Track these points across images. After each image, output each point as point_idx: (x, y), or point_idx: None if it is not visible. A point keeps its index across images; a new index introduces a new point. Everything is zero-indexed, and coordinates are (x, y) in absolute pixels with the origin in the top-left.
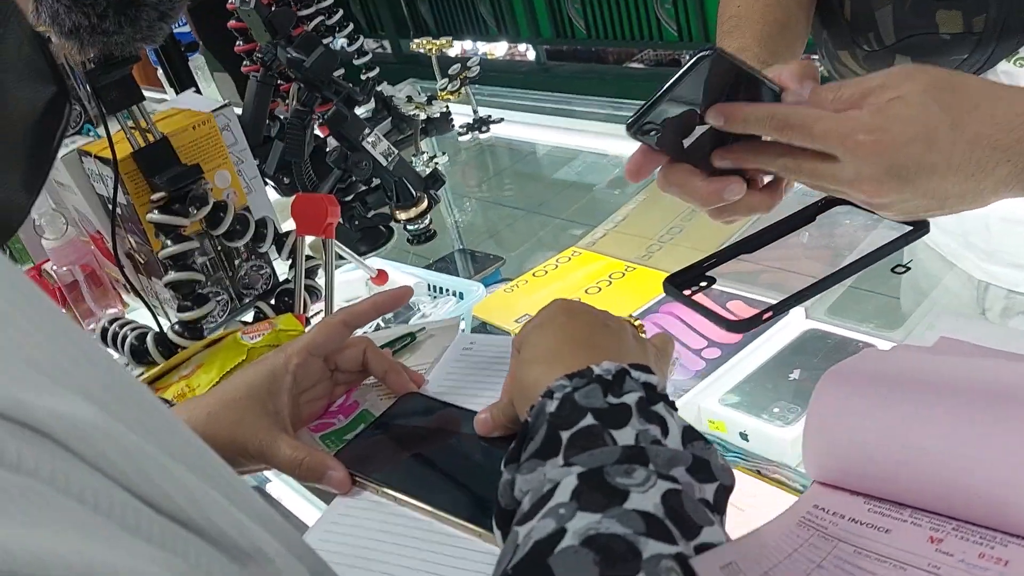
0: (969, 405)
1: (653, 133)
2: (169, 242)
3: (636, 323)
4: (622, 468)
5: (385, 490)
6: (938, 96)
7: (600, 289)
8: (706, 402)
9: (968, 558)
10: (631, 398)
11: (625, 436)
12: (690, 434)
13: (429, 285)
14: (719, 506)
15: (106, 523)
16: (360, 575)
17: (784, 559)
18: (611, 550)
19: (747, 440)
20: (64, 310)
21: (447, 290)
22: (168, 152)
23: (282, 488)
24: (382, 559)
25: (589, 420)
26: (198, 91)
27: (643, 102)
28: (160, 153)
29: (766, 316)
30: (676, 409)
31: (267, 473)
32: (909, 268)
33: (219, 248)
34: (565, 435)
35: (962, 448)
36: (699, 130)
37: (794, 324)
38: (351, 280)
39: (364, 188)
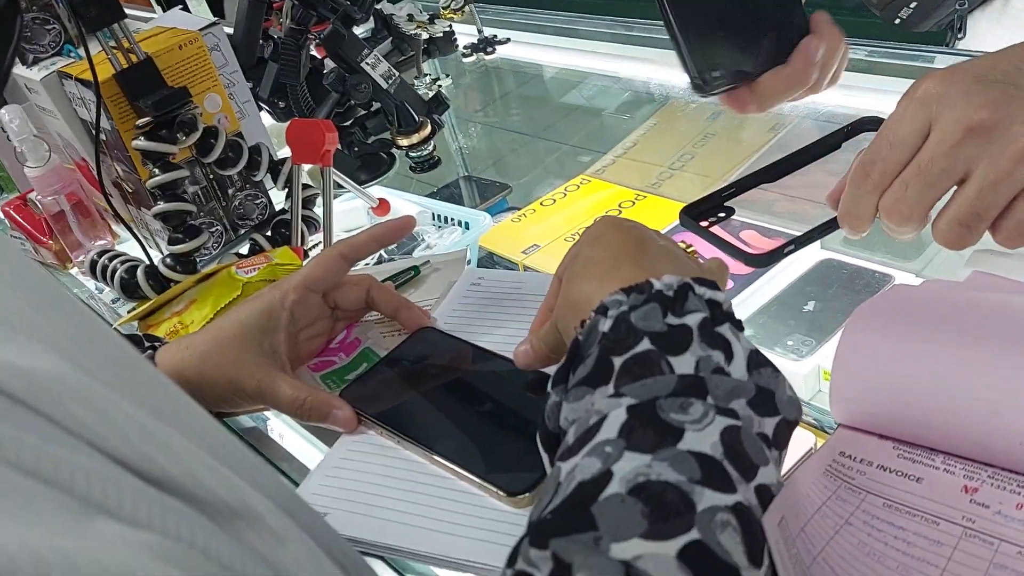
0: (1007, 345)
1: (718, 76)
2: (157, 170)
3: (689, 249)
4: (677, 402)
5: (391, 432)
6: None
7: None
8: None
9: (1005, 509)
10: (693, 319)
11: (684, 363)
12: (756, 359)
13: (433, 215)
14: (779, 441)
15: (65, 501)
16: (362, 521)
17: (815, 512)
18: (662, 501)
19: None
20: (51, 241)
21: (452, 220)
22: (153, 74)
23: (283, 428)
24: (385, 505)
25: (645, 345)
26: (186, 9)
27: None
28: (144, 75)
29: (787, 250)
30: (743, 330)
31: (267, 413)
32: None
33: (211, 177)
34: (618, 361)
35: (1000, 389)
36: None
37: (809, 254)
38: (351, 210)
39: (363, 113)
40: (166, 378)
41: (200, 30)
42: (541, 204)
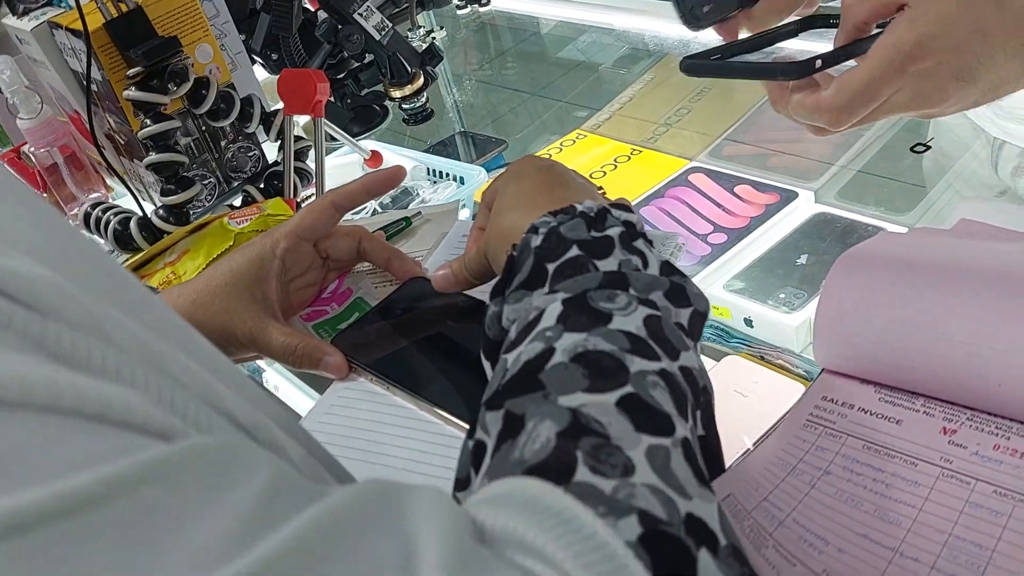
0: (989, 290)
1: (708, 9)
2: (148, 121)
3: (600, 191)
4: (604, 293)
5: (381, 379)
6: None
7: (605, 173)
8: (711, 288)
9: (983, 450)
10: (614, 231)
11: (608, 265)
12: (668, 268)
13: (428, 169)
14: (694, 331)
15: (70, 358)
16: (354, 466)
17: (787, 476)
18: (600, 364)
19: (751, 326)
20: (46, 195)
21: (447, 174)
22: (143, 23)
23: (278, 379)
24: (377, 450)
25: (574, 251)
26: None
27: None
28: (134, 24)
29: (818, 65)
30: (653, 246)
31: (261, 363)
32: (929, 147)
33: (203, 128)
34: (551, 266)
35: (981, 334)
36: None
37: (803, 208)
38: (345, 164)
39: (356, 64)
40: (163, 301)
41: None
42: None
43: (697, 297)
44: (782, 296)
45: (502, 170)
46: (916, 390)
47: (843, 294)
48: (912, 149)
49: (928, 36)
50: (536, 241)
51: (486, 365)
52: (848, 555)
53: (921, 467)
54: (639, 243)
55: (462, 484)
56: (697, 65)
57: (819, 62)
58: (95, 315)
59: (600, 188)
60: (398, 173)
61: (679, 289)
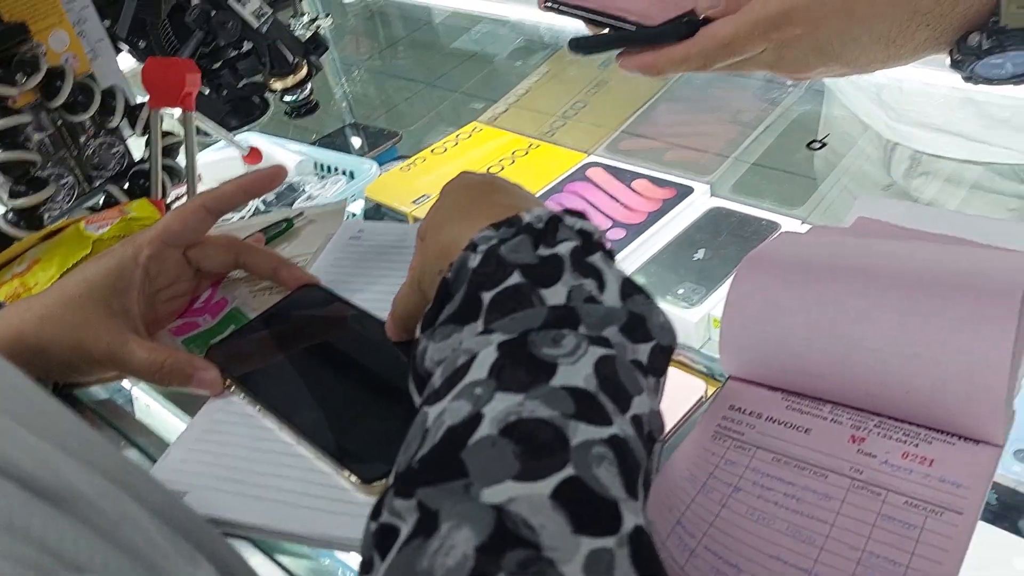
0: (894, 294)
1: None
2: None
3: None
4: (549, 335)
5: (253, 400)
6: None
7: (503, 167)
8: None
9: (892, 459)
10: (565, 248)
11: (555, 294)
12: (629, 287)
13: (316, 163)
14: (655, 367)
15: None
16: (224, 499)
17: (697, 494)
18: (535, 439)
19: None
20: None
21: (336, 169)
22: None
23: (147, 399)
24: (249, 480)
25: (516, 278)
26: None
27: None
28: None
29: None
30: (614, 259)
31: (126, 383)
32: (825, 144)
33: (59, 123)
34: (487, 296)
35: (887, 339)
36: None
37: (699, 202)
38: (222, 160)
39: (234, 53)
40: (20, 376)
41: None
42: (432, 152)
43: (661, 329)
44: (681, 292)
45: (396, 164)
46: (824, 397)
47: (747, 300)
48: (808, 146)
49: (794, 8)
50: (474, 262)
51: (415, 397)
52: None
53: (831, 479)
54: (595, 258)
55: (366, 567)
56: (585, 41)
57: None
58: None
59: None
60: (278, 173)
61: (638, 321)
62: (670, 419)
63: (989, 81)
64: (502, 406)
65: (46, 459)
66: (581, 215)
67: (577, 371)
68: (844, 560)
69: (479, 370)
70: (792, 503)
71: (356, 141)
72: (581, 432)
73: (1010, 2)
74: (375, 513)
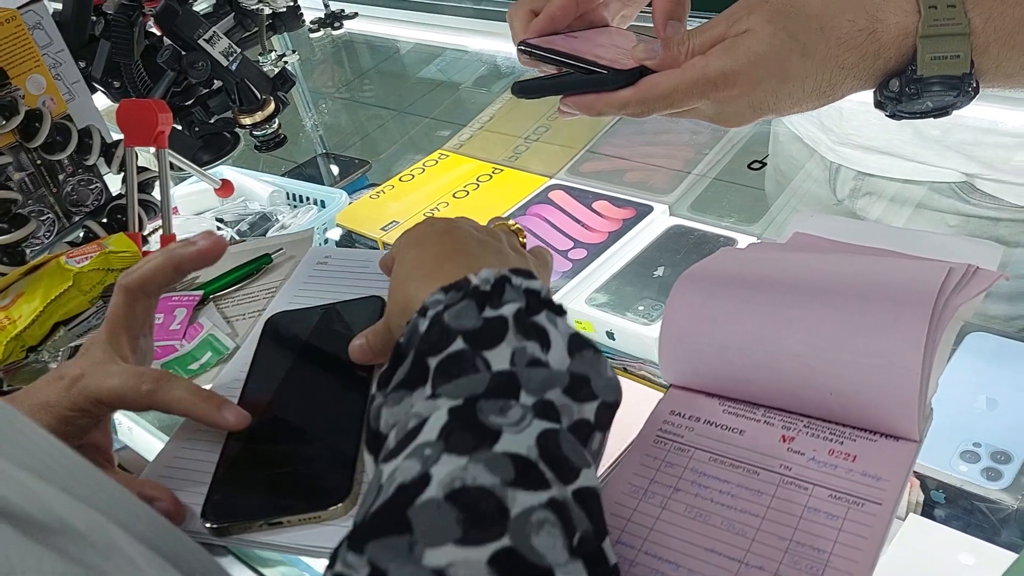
0: (818, 303)
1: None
2: None
3: (515, 226)
4: (497, 404)
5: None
6: (784, 24)
7: (468, 193)
8: (573, 303)
9: (819, 455)
10: (509, 310)
11: (499, 357)
12: (576, 343)
13: (288, 193)
14: (601, 423)
15: None
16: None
17: (639, 502)
18: (476, 508)
19: (613, 339)
20: None
21: (308, 198)
22: None
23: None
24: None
25: (459, 344)
26: None
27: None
28: None
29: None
30: (564, 314)
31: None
32: (765, 164)
33: (39, 163)
34: (433, 362)
35: (811, 345)
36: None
37: (658, 221)
38: (201, 191)
39: (205, 91)
40: (5, 407)
41: (19, 8)
42: (400, 180)
43: (606, 387)
44: (641, 308)
45: (366, 192)
46: (757, 401)
47: (684, 313)
48: (749, 166)
49: (732, 72)
50: (422, 327)
51: (368, 459)
52: (698, 574)
53: (763, 475)
54: (541, 317)
55: None
56: (527, 85)
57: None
58: None
59: (516, 226)
60: (216, 247)
61: (582, 382)
62: (632, 430)
63: (912, 116)
64: (447, 469)
65: (36, 494)
66: (529, 274)
67: (520, 440)
68: (773, 550)
69: (430, 432)
70: (727, 499)
71: (327, 170)
72: (520, 501)
73: (924, 54)
74: (331, 563)
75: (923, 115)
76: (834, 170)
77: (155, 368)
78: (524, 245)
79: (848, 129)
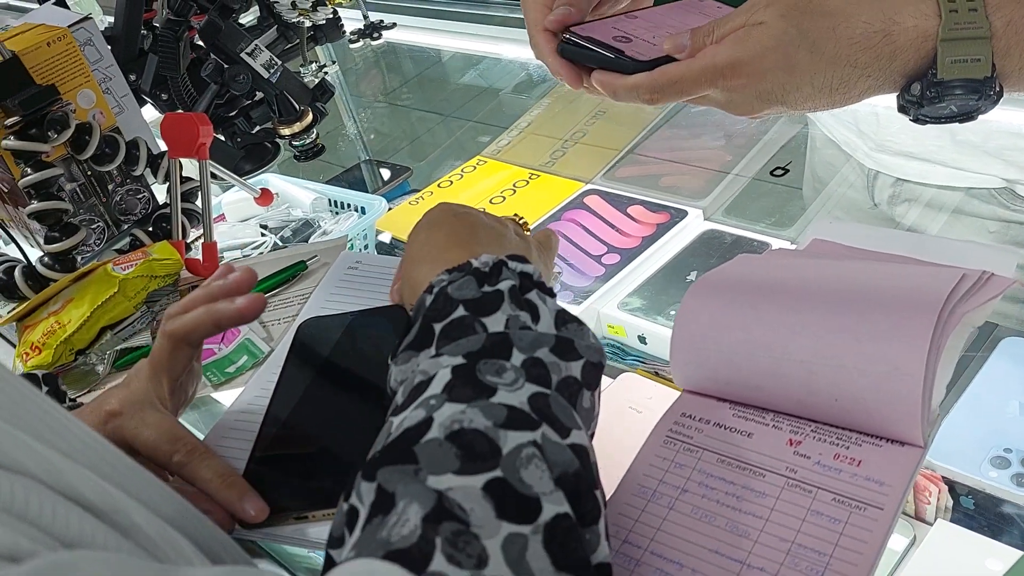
0: (826, 310)
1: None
2: (29, 170)
3: (520, 221)
4: (493, 366)
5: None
6: (798, 20)
7: (504, 198)
8: (605, 307)
9: (824, 459)
10: (505, 285)
11: (495, 322)
12: (563, 317)
13: (330, 200)
14: (589, 381)
15: None
16: None
17: (647, 503)
18: (472, 445)
19: (645, 343)
20: None
21: (349, 205)
22: (19, 71)
23: None
24: None
25: (460, 312)
26: (63, 3)
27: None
28: (10, 73)
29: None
30: (553, 296)
31: None
32: (788, 171)
33: (89, 173)
34: (438, 327)
35: (817, 352)
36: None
37: (693, 226)
38: (245, 199)
39: (247, 102)
40: (38, 395)
41: (70, 26)
42: (439, 186)
43: (589, 349)
44: (673, 313)
45: (407, 197)
46: (766, 406)
47: (695, 317)
48: (772, 173)
49: (740, 61)
50: (428, 301)
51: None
52: (700, 574)
53: (769, 478)
54: (533, 295)
55: (336, 542)
56: (570, 49)
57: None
58: None
59: (522, 219)
60: (252, 307)
61: (566, 343)
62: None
63: (937, 120)
64: (447, 414)
65: (62, 473)
66: (523, 259)
67: (515, 396)
68: (775, 551)
69: (436, 387)
70: (732, 500)
71: (370, 176)
72: (511, 439)
73: (944, 57)
74: (346, 494)
75: (947, 119)
76: (872, 176)
77: (190, 437)
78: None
79: (886, 136)
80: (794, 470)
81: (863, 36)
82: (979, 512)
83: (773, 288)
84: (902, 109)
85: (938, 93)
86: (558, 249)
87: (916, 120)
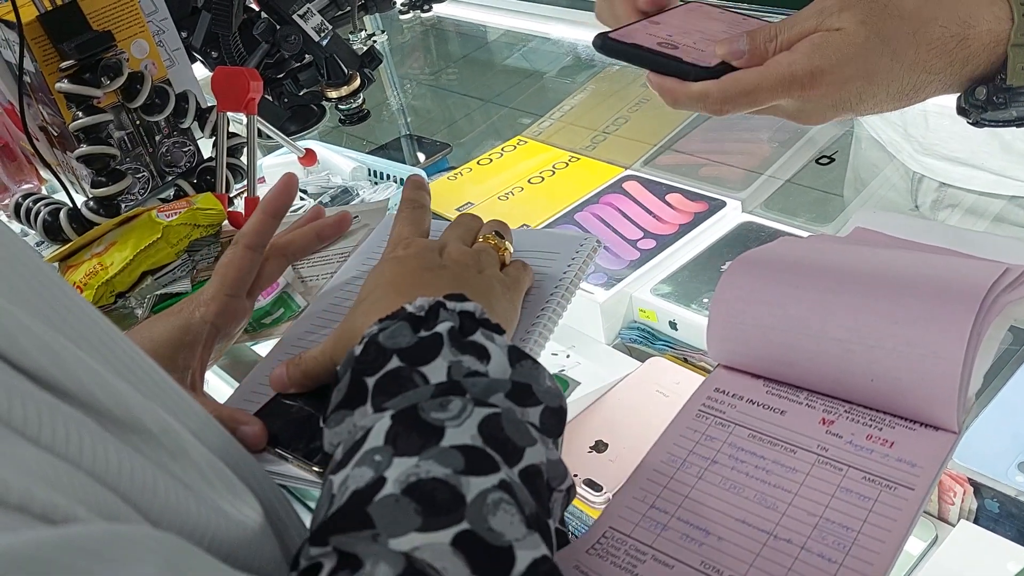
0: (866, 292)
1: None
2: (81, 114)
3: (494, 241)
4: (437, 402)
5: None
6: (878, 27)
7: (543, 179)
8: (638, 292)
9: (856, 439)
10: (443, 327)
11: (436, 371)
12: (515, 355)
13: (370, 170)
14: (548, 428)
15: None
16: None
17: (677, 470)
18: (433, 498)
19: (676, 329)
20: None
21: (388, 176)
22: (77, 17)
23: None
24: None
25: (395, 362)
26: None
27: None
28: (68, 17)
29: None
30: (502, 332)
31: None
32: (833, 159)
33: (138, 123)
34: (370, 381)
35: (854, 332)
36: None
37: (730, 217)
38: (287, 163)
39: (296, 64)
40: (71, 291)
41: None
42: (478, 163)
43: (546, 393)
44: (705, 300)
45: (445, 173)
46: (800, 384)
47: (735, 293)
48: (817, 162)
49: (821, 70)
50: (357, 351)
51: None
52: (727, 542)
53: (800, 454)
54: (477, 336)
55: None
56: (611, 45)
57: (724, 66)
58: None
59: (505, 247)
60: (344, 220)
61: (524, 388)
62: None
63: (996, 124)
64: (401, 469)
65: (117, 391)
66: (462, 297)
67: (464, 431)
68: (802, 524)
69: (376, 438)
70: (762, 474)
71: (409, 151)
72: (474, 486)
73: (1015, 63)
74: (294, 564)
75: (1007, 124)
76: (916, 180)
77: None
78: (506, 259)
79: (933, 139)
80: (825, 448)
81: (940, 41)
82: (1004, 516)
83: (814, 268)
84: (962, 112)
85: (1005, 99)
86: (529, 284)
87: (976, 124)
